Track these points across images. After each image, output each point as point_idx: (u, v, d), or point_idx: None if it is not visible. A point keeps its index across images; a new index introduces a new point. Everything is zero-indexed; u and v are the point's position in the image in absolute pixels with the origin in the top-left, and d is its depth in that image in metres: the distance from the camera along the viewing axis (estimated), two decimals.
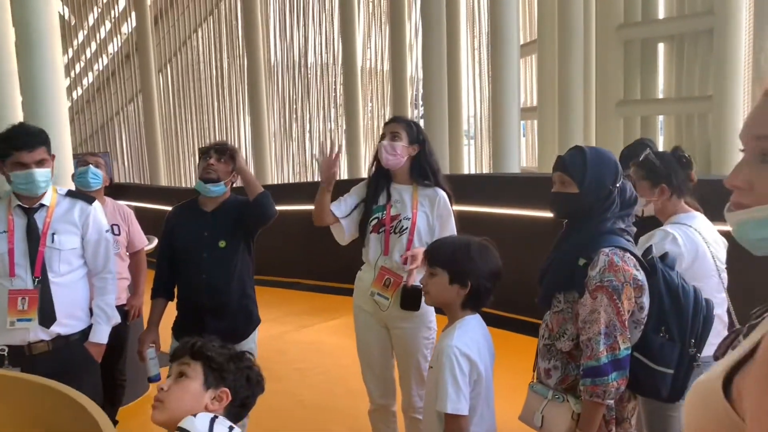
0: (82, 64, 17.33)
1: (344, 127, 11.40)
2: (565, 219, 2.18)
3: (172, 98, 15.76)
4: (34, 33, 4.37)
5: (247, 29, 12.33)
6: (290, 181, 12.43)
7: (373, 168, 3.02)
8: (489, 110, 9.19)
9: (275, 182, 11.90)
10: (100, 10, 16.54)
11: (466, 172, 9.66)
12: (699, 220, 2.55)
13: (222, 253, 2.95)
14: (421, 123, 8.70)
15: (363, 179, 3.12)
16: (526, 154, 9.90)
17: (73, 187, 3.40)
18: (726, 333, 2.53)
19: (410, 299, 2.83)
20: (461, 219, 3.09)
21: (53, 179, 2.68)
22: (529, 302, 2.33)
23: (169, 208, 3.25)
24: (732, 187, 0.89)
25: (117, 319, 2.84)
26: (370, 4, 11.84)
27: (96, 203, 2.78)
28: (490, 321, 2.28)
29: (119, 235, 3.60)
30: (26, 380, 2.05)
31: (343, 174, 11.17)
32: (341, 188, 3.13)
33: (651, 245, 2.18)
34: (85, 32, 17.03)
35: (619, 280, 1.97)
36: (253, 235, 3.05)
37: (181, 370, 1.61)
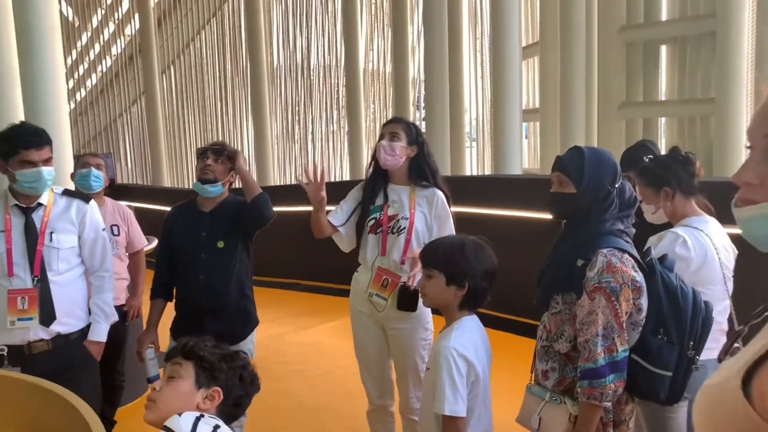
0: (86, 65, 17.38)
1: (346, 129, 11.41)
2: (563, 219, 2.17)
3: (175, 100, 15.79)
4: (35, 32, 4.37)
5: (250, 32, 12.35)
6: (292, 183, 12.43)
7: (371, 168, 3.02)
8: (491, 112, 9.18)
9: (277, 184, 11.90)
10: (103, 11, 16.58)
11: (468, 174, 9.66)
12: (711, 224, 2.52)
13: (220, 253, 2.94)
14: (423, 125, 8.69)
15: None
16: (528, 156, 9.88)
17: (73, 187, 3.39)
18: (724, 340, 2.53)
19: (407, 300, 2.82)
20: (462, 220, 3.08)
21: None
22: (529, 304, 2.32)
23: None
24: (741, 184, 0.89)
25: (115, 317, 2.84)
26: (373, 6, 11.84)
27: (92, 202, 2.79)
28: (489, 322, 2.27)
29: (119, 235, 3.59)
30: (18, 380, 2.04)
31: (345, 175, 11.17)
32: (344, 189, 3.13)
33: (650, 247, 2.17)
34: (89, 34, 17.07)
35: (618, 282, 1.96)
36: (251, 235, 3.04)
37: (173, 370, 1.62)
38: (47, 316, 2.59)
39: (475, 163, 10.82)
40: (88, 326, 2.75)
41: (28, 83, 4.38)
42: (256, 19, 11.98)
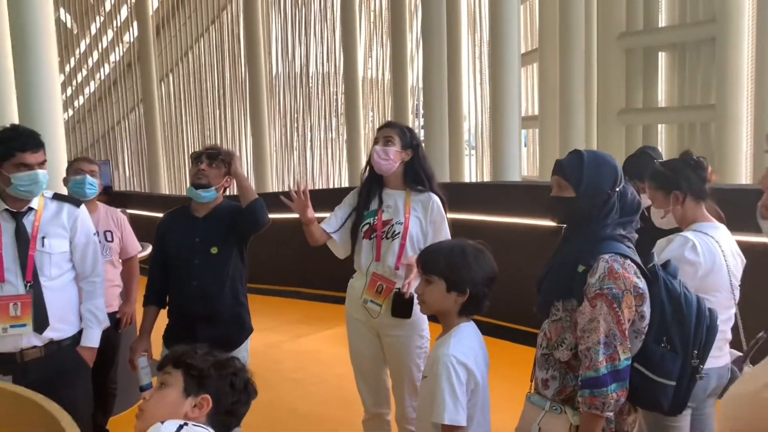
0: (84, 72, 17.38)
1: (345, 137, 11.39)
2: (563, 224, 2.13)
3: (174, 108, 15.78)
4: (30, 37, 4.34)
5: (248, 40, 12.35)
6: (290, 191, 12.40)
7: (366, 173, 2.98)
8: (490, 119, 9.16)
9: (275, 191, 11.88)
10: (102, 19, 16.60)
11: (466, 181, 9.63)
12: (720, 231, 2.48)
13: (214, 259, 2.90)
14: (422, 133, 8.66)
15: None
16: (527, 164, 9.86)
17: (66, 192, 3.35)
18: (728, 350, 2.48)
19: (401, 306, 2.78)
20: (460, 227, 3.03)
21: None
22: (526, 311, 2.27)
23: None
24: (766, 188, 0.84)
25: (107, 322, 2.81)
26: (372, 14, 11.84)
27: (83, 206, 2.74)
28: (485, 330, 2.22)
29: (112, 241, 3.54)
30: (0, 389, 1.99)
31: (344, 182, 11.14)
32: (343, 196, 3.10)
33: (653, 252, 2.12)
34: (88, 41, 17.09)
35: (620, 288, 1.91)
36: (245, 241, 3.00)
37: (163, 378, 1.59)
38: (40, 322, 2.55)
39: (474, 170, 10.79)
40: (80, 332, 2.71)
41: (23, 87, 4.34)
42: (255, 27, 11.98)
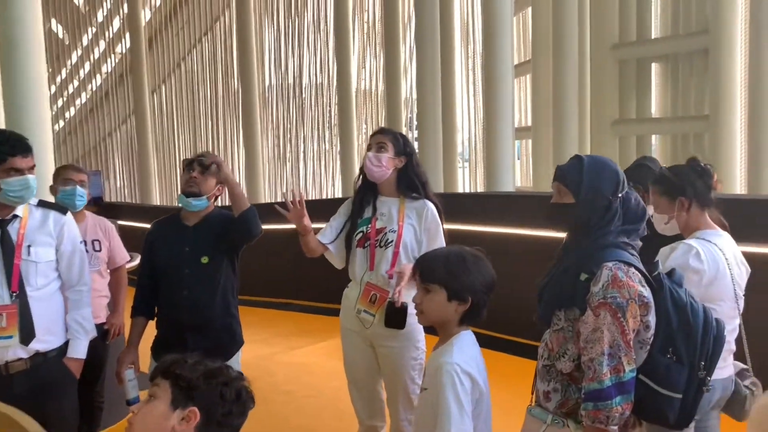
0: (76, 83, 17.32)
1: (338, 149, 11.35)
2: (564, 231, 2.08)
3: (166, 119, 15.72)
4: (19, 45, 4.29)
5: (241, 51, 12.34)
6: (282, 201, 12.34)
7: (360, 181, 2.93)
8: (483, 130, 9.15)
9: (268, 202, 11.82)
10: (94, 30, 16.56)
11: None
12: (724, 238, 2.44)
13: (204, 269, 2.83)
14: (416, 145, 8.63)
15: None
16: (520, 175, 9.84)
17: (52, 200, 3.28)
18: (731, 361, 2.43)
19: (394, 316, 2.72)
20: (456, 238, 2.98)
21: None
22: (523, 322, 2.21)
23: None
24: None
25: (94, 332, 2.73)
26: (365, 26, 11.85)
27: (69, 214, 2.67)
28: (481, 341, 2.16)
29: (100, 251, 3.47)
30: None
31: (338, 193, 11.10)
32: (336, 207, 3.06)
33: (657, 261, 2.07)
34: (79, 52, 17.04)
35: (624, 297, 1.86)
36: (237, 251, 2.94)
37: (152, 391, 1.52)
38: (27, 333, 2.47)
39: (467, 182, 10.76)
40: (66, 343, 2.63)
41: (11, 94, 4.29)
42: (248, 38, 11.97)
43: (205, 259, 2.83)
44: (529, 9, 8.50)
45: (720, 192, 2.56)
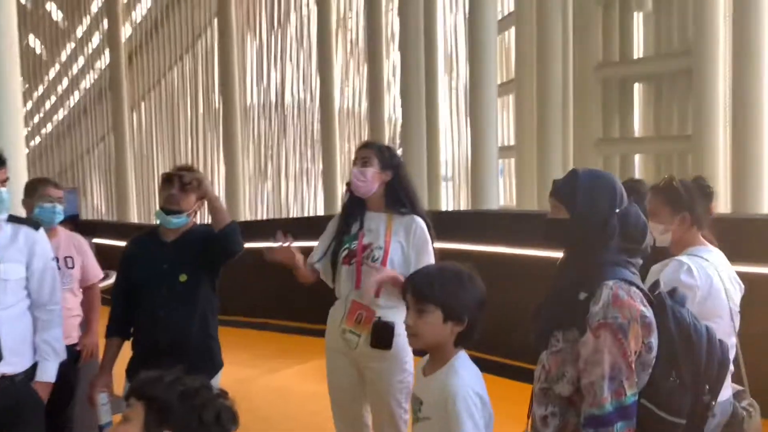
0: (53, 100, 17.12)
1: (321, 168, 11.28)
2: (560, 248, 2.00)
3: (145, 136, 15.56)
4: None
5: (223, 66, 12.26)
6: (263, 219, 12.21)
7: (347, 196, 2.85)
8: (467, 150, 9.14)
9: (248, 219, 11.68)
10: (73, 45, 16.40)
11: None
12: (716, 254, 2.40)
13: (183, 287, 2.72)
14: None
15: None
16: (504, 194, 9.84)
17: (23, 214, 3.14)
18: (729, 382, 2.37)
19: (381, 336, 2.62)
20: (441, 257, 2.90)
21: None
22: (514, 344, 2.12)
23: None
24: None
25: (64, 354, 2.61)
26: (349, 44, 11.85)
27: (41, 230, 2.55)
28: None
29: (73, 268, 3.34)
30: None
31: (320, 210, 11.01)
32: (317, 224, 2.98)
33: (658, 279, 1.99)
34: (58, 68, 16.86)
35: (625, 317, 1.78)
36: (217, 269, 2.83)
37: (126, 413, 1.41)
38: None
39: (451, 202, 10.73)
40: (34, 366, 2.50)
41: None
42: (230, 55, 11.91)
43: (183, 277, 2.72)
44: (513, 29, 8.54)
45: (713, 215, 2.55)
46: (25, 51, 16.75)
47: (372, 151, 2.80)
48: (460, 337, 1.87)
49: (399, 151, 8.92)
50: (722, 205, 6.13)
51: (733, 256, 2.49)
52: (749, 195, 5.62)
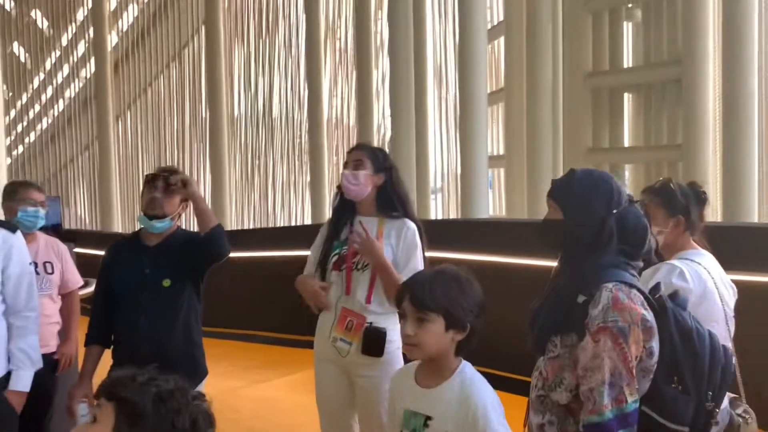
0: (37, 108, 16.95)
1: (308, 180, 11.21)
2: (555, 249, 1.95)
3: (131, 145, 15.42)
4: None
5: (210, 76, 12.19)
6: (250, 228, 12.11)
7: (337, 200, 2.78)
8: (456, 160, 9.10)
9: (234, 229, 11.58)
10: (58, 54, 16.26)
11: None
12: (708, 258, 2.38)
13: (166, 293, 2.63)
14: None
15: None
16: (494, 204, 9.81)
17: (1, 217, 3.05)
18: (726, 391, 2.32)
19: (373, 343, 2.55)
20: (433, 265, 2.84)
21: None
22: (507, 354, 2.05)
23: None
24: None
25: (40, 363, 2.51)
26: (337, 53, 11.82)
27: (18, 233, 2.46)
28: None
29: (52, 273, 3.26)
30: None
31: (307, 219, 10.93)
32: (305, 232, 2.91)
33: (659, 282, 1.93)
34: (42, 76, 16.70)
35: (626, 321, 1.71)
36: (202, 274, 2.74)
37: (95, 413, 1.31)
38: None
39: (440, 212, 10.68)
40: (8, 374, 2.41)
41: None
42: (217, 63, 11.84)
43: (166, 282, 2.63)
44: (502, 38, 8.55)
45: (704, 222, 2.53)
46: (9, 59, 16.60)
47: (364, 153, 2.74)
48: (459, 345, 1.78)
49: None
50: (713, 213, 6.13)
51: (724, 265, 2.48)
52: (740, 204, 5.62)
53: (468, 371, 1.80)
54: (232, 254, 2.80)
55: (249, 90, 12.90)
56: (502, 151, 8.91)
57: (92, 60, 14.94)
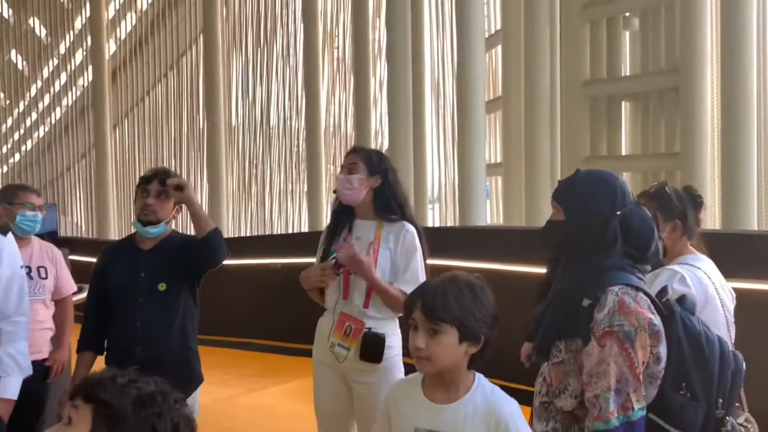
0: (34, 116, 16.90)
1: (306, 190, 11.16)
2: (557, 251, 1.91)
3: (128, 154, 15.36)
4: None
5: (208, 85, 12.16)
6: (247, 236, 12.06)
7: (336, 204, 2.75)
8: (454, 168, 9.07)
9: (232, 236, 11.52)
10: (56, 62, 16.22)
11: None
12: (707, 263, 2.35)
13: (161, 297, 2.59)
14: None
15: None
16: (491, 213, 9.76)
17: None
18: None
19: (371, 349, 2.51)
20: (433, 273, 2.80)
21: None
22: (504, 363, 2.00)
23: None
24: None
25: (29, 370, 2.44)
26: (335, 61, 11.79)
27: (10, 235, 2.41)
28: None
29: (46, 279, 3.21)
30: None
31: (304, 227, 10.88)
32: (303, 240, 2.87)
33: (666, 285, 1.90)
34: (39, 84, 16.66)
35: (632, 325, 1.68)
36: (198, 278, 2.70)
37: (69, 414, 1.24)
38: None
39: (437, 221, 10.63)
40: None
41: None
42: (215, 72, 11.81)
43: (162, 286, 2.59)
44: (499, 46, 8.52)
45: (701, 226, 2.51)
46: (6, 66, 16.56)
47: (358, 156, 2.72)
48: (473, 358, 1.68)
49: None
50: (712, 221, 6.09)
51: (723, 272, 2.45)
52: (739, 211, 5.58)
53: (486, 384, 1.72)
54: (229, 261, 2.76)
55: (247, 99, 12.86)
56: (499, 159, 8.87)
57: (90, 68, 14.90)
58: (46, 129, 16.89)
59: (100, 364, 2.70)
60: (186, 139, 14.19)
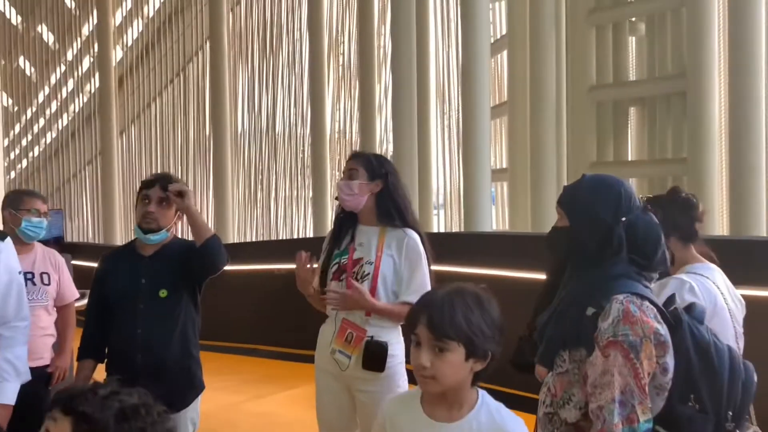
0: (42, 123, 16.99)
1: (311, 196, 11.16)
2: (561, 258, 1.88)
3: (134, 161, 15.41)
4: None
5: (214, 92, 12.19)
6: (251, 241, 12.06)
7: (339, 209, 2.73)
8: (459, 174, 9.04)
9: (236, 242, 11.54)
10: (63, 68, 16.31)
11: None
12: (716, 272, 2.29)
13: (162, 303, 2.57)
14: None
15: None
16: (497, 219, 9.72)
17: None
18: None
19: (373, 357, 2.48)
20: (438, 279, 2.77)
21: None
22: (505, 369, 1.96)
23: None
24: None
25: (27, 375, 2.43)
26: (340, 68, 11.79)
27: (8, 240, 2.39)
28: None
29: (49, 284, 3.21)
30: None
31: (309, 233, 10.88)
32: (308, 245, 2.86)
33: (674, 293, 1.86)
34: (47, 91, 16.75)
35: (637, 335, 1.64)
36: (199, 284, 2.68)
37: (47, 427, 1.20)
38: None
39: (442, 228, 10.60)
40: None
41: None
42: (221, 78, 11.85)
43: (163, 293, 2.57)
44: (505, 51, 8.50)
45: (703, 223, 2.43)
46: (15, 73, 16.66)
47: (358, 161, 2.70)
48: (477, 374, 1.61)
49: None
50: (719, 227, 6.03)
51: (732, 280, 2.40)
52: (747, 217, 5.52)
53: (491, 402, 1.66)
54: (234, 267, 2.75)
55: (252, 105, 12.89)
56: (505, 165, 8.84)
57: (97, 75, 14.97)
58: (54, 135, 16.97)
59: (101, 371, 2.68)
60: (192, 146, 14.22)
